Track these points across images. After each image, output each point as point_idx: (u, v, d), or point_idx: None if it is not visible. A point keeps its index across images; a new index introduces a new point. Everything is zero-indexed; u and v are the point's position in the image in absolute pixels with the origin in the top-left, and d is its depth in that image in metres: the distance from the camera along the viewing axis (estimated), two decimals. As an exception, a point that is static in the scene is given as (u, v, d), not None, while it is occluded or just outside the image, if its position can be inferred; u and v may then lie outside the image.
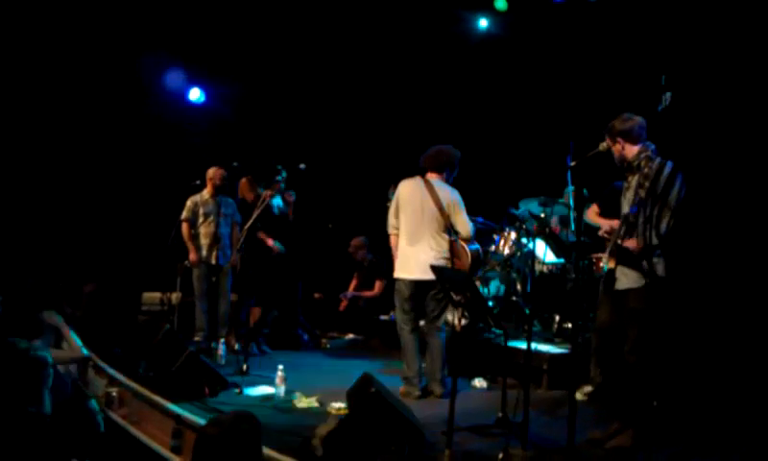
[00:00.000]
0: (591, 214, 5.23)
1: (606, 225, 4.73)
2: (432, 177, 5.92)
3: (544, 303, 7.10)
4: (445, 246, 5.83)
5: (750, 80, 6.08)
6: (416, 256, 5.79)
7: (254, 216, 6.67)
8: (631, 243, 4.36)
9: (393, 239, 6.04)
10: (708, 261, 5.79)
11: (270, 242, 7.56)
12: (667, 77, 4.84)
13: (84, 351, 5.40)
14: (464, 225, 5.86)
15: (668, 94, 4.46)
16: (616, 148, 4.55)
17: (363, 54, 10.15)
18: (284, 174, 7.29)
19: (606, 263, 4.50)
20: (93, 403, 3.62)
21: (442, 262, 5.73)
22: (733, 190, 6.15)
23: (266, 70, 10.30)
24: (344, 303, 9.00)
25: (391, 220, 6.04)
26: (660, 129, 4.71)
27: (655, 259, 4.34)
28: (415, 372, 5.78)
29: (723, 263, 5.85)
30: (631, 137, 4.49)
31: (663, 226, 4.30)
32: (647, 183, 4.26)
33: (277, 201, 7.51)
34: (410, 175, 5.98)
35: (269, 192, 7.17)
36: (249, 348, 7.14)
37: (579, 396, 5.71)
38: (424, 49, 9.64)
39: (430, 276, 5.28)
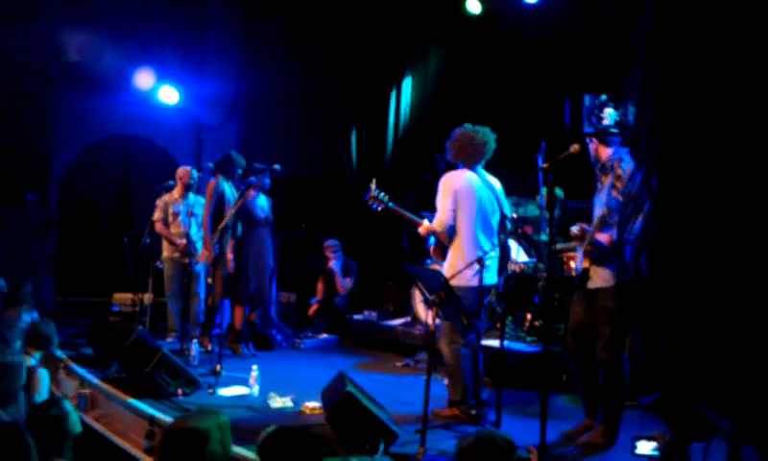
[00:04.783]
0: None
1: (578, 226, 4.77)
2: None
3: (516, 301, 7.14)
4: None
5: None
6: None
7: (227, 217, 6.62)
8: (604, 237, 4.42)
9: None
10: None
11: (229, 255, 7.02)
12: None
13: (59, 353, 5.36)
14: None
15: (631, 109, 4.45)
16: (591, 147, 4.62)
17: (334, 56, 10.19)
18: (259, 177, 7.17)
19: (579, 262, 4.56)
20: (67, 404, 3.57)
21: None
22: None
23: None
24: (313, 308, 8.92)
25: None
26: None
27: (626, 259, 4.40)
28: None
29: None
30: (604, 139, 4.56)
31: (634, 227, 4.35)
32: (619, 184, 4.33)
33: (261, 200, 7.41)
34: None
35: (251, 192, 7.13)
36: (240, 351, 7.11)
37: None
38: (397, 48, 9.68)
39: None
